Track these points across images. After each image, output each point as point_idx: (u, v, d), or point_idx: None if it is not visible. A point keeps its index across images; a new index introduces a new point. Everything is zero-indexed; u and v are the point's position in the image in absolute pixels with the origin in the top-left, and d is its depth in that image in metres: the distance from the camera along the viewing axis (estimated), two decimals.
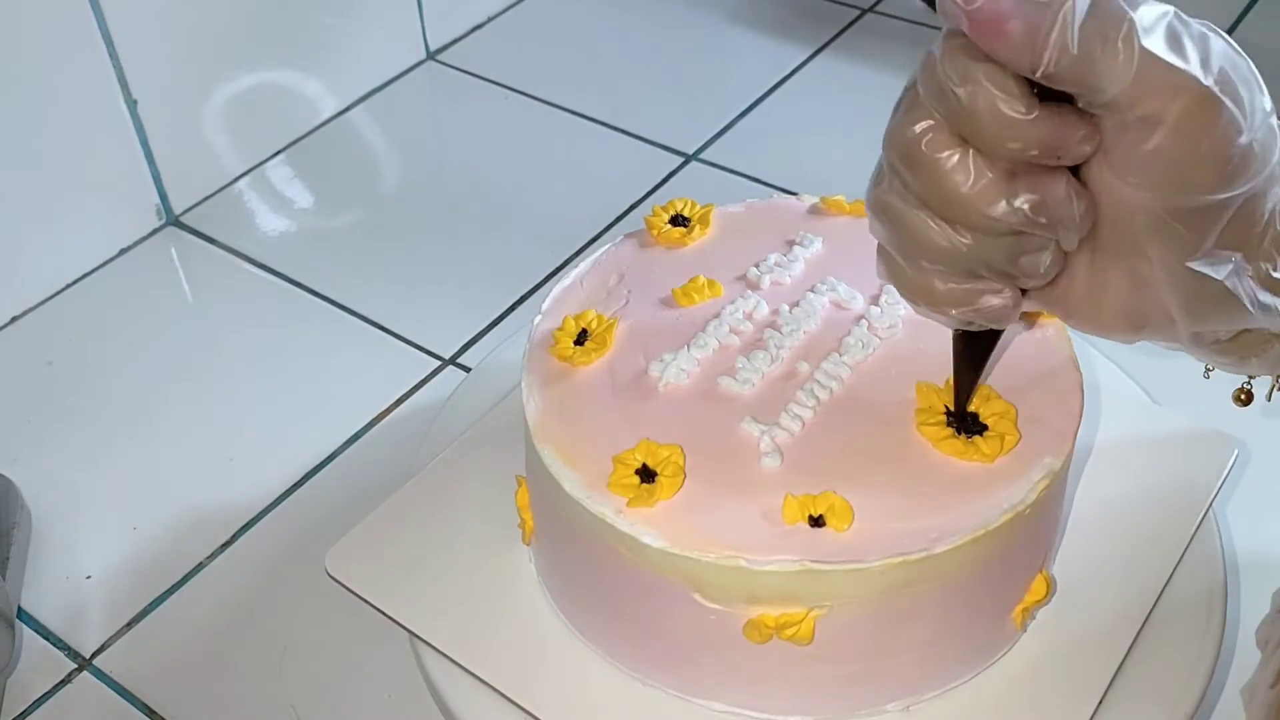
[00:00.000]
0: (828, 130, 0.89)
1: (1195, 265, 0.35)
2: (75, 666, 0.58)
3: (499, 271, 0.78)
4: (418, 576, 0.52)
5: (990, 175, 0.34)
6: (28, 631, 0.59)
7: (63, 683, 0.58)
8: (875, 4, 1.00)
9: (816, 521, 0.43)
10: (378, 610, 0.51)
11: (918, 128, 0.34)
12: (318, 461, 0.67)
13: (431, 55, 0.97)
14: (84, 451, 0.68)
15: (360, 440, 0.68)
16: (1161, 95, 0.31)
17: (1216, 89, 0.32)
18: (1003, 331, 0.42)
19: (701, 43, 0.98)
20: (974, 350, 0.43)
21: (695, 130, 0.89)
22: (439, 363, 0.72)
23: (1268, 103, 0.34)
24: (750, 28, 0.99)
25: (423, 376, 0.72)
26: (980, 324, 0.39)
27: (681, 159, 0.87)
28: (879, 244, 0.39)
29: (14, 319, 0.76)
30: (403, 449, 0.64)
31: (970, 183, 0.34)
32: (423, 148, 0.90)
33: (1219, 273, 0.35)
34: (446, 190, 0.85)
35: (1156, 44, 0.31)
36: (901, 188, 0.36)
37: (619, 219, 0.82)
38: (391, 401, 0.70)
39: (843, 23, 0.99)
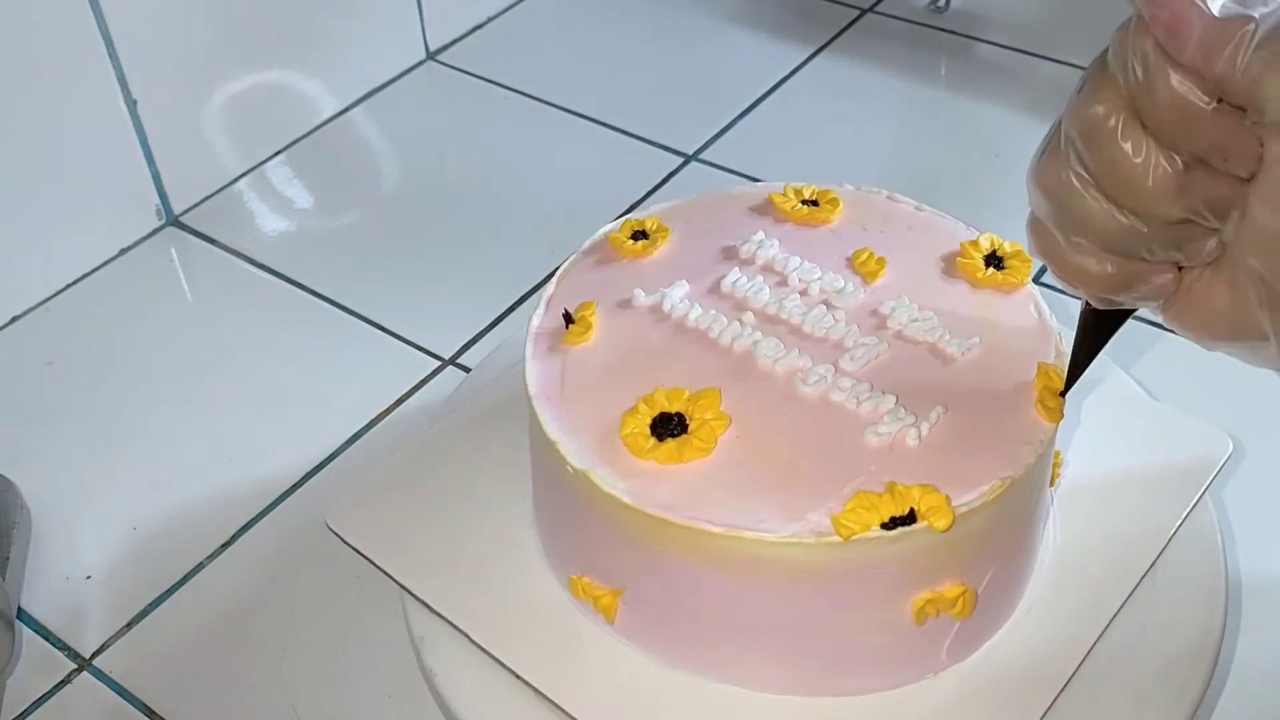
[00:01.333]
0: (828, 130, 0.89)
1: None
2: (75, 666, 0.58)
3: (499, 272, 0.78)
4: (418, 536, 0.53)
5: (1168, 166, 0.34)
6: (28, 631, 0.59)
7: (63, 683, 0.58)
8: (875, 4, 1.00)
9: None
10: (375, 565, 0.52)
11: (1100, 108, 0.34)
12: (318, 461, 0.67)
13: (431, 55, 0.97)
14: (84, 451, 0.68)
15: (360, 440, 0.68)
16: None
17: None
18: (1135, 310, 0.41)
19: (701, 43, 0.98)
20: (1103, 328, 0.43)
21: (695, 130, 0.89)
22: (439, 363, 0.72)
23: None
24: (750, 28, 0.99)
25: (423, 376, 0.72)
26: (1129, 303, 0.39)
27: (681, 159, 0.87)
28: (1034, 218, 0.39)
29: (14, 319, 0.76)
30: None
31: (1149, 171, 0.34)
32: (423, 148, 0.90)
33: None
34: (446, 191, 0.85)
35: None
36: (1077, 164, 0.36)
37: (619, 219, 0.81)
38: (391, 401, 0.70)
39: (843, 23, 0.99)
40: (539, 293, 0.54)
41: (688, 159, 0.87)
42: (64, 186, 0.76)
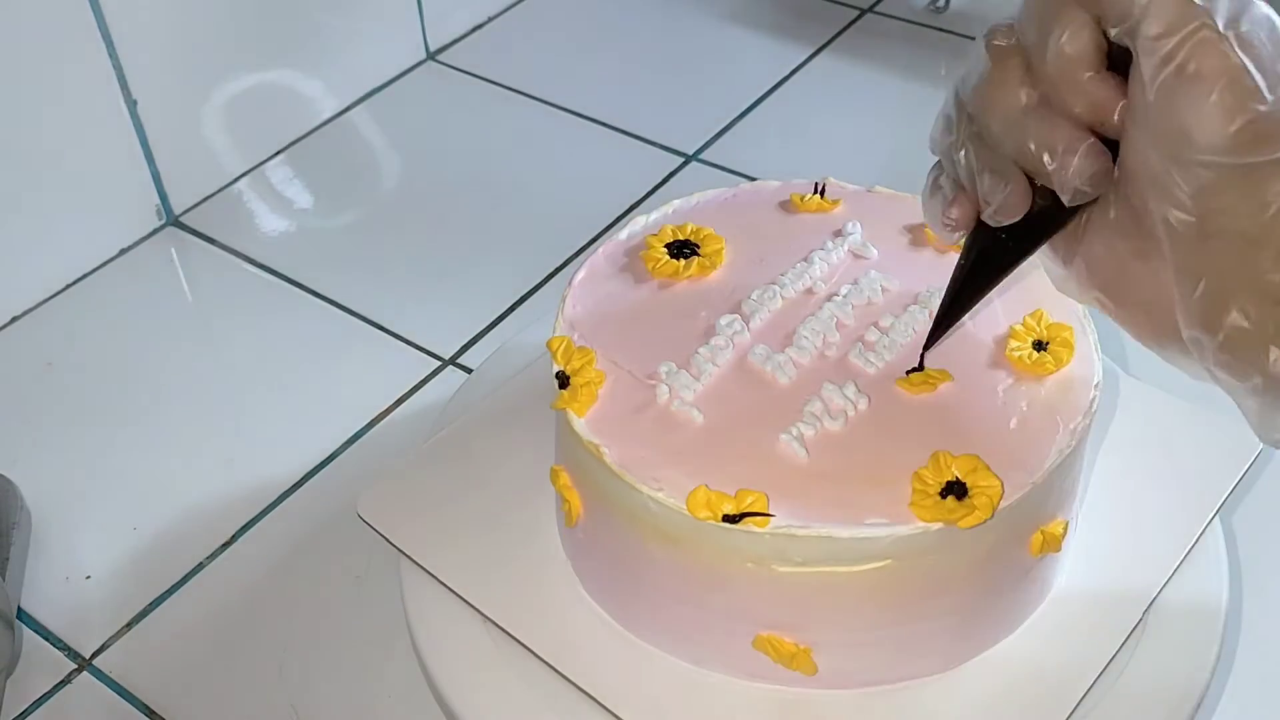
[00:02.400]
0: (828, 130, 0.89)
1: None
2: (75, 666, 0.58)
3: (499, 271, 0.78)
4: (445, 524, 0.53)
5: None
6: (28, 631, 0.59)
7: (63, 683, 0.58)
8: (875, 4, 1.00)
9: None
10: (404, 554, 0.52)
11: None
12: (318, 462, 0.67)
13: (431, 55, 0.97)
14: (84, 451, 0.68)
15: (360, 440, 0.68)
16: (1176, 33, 0.32)
17: (1234, 42, 0.32)
18: (1011, 269, 0.41)
19: (701, 43, 0.98)
20: (978, 277, 0.42)
21: (695, 130, 0.89)
22: (439, 363, 0.72)
23: None
24: (750, 28, 0.99)
25: (423, 376, 0.72)
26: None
27: (681, 159, 0.87)
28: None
29: (14, 319, 0.76)
30: (403, 449, 0.64)
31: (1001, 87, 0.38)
32: (423, 148, 0.90)
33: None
34: (446, 191, 0.85)
35: None
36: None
37: (619, 219, 0.82)
38: (391, 401, 0.70)
39: (843, 23, 0.99)
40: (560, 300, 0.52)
41: (688, 159, 0.87)
42: (64, 186, 0.76)
